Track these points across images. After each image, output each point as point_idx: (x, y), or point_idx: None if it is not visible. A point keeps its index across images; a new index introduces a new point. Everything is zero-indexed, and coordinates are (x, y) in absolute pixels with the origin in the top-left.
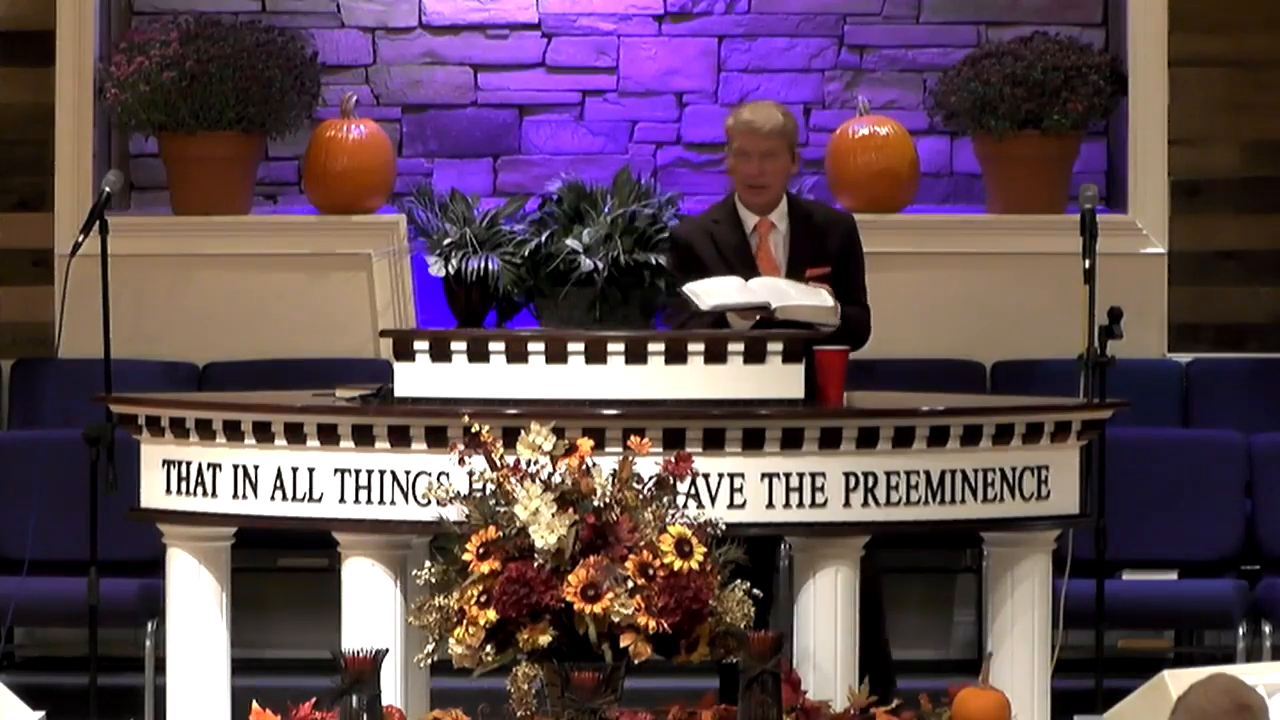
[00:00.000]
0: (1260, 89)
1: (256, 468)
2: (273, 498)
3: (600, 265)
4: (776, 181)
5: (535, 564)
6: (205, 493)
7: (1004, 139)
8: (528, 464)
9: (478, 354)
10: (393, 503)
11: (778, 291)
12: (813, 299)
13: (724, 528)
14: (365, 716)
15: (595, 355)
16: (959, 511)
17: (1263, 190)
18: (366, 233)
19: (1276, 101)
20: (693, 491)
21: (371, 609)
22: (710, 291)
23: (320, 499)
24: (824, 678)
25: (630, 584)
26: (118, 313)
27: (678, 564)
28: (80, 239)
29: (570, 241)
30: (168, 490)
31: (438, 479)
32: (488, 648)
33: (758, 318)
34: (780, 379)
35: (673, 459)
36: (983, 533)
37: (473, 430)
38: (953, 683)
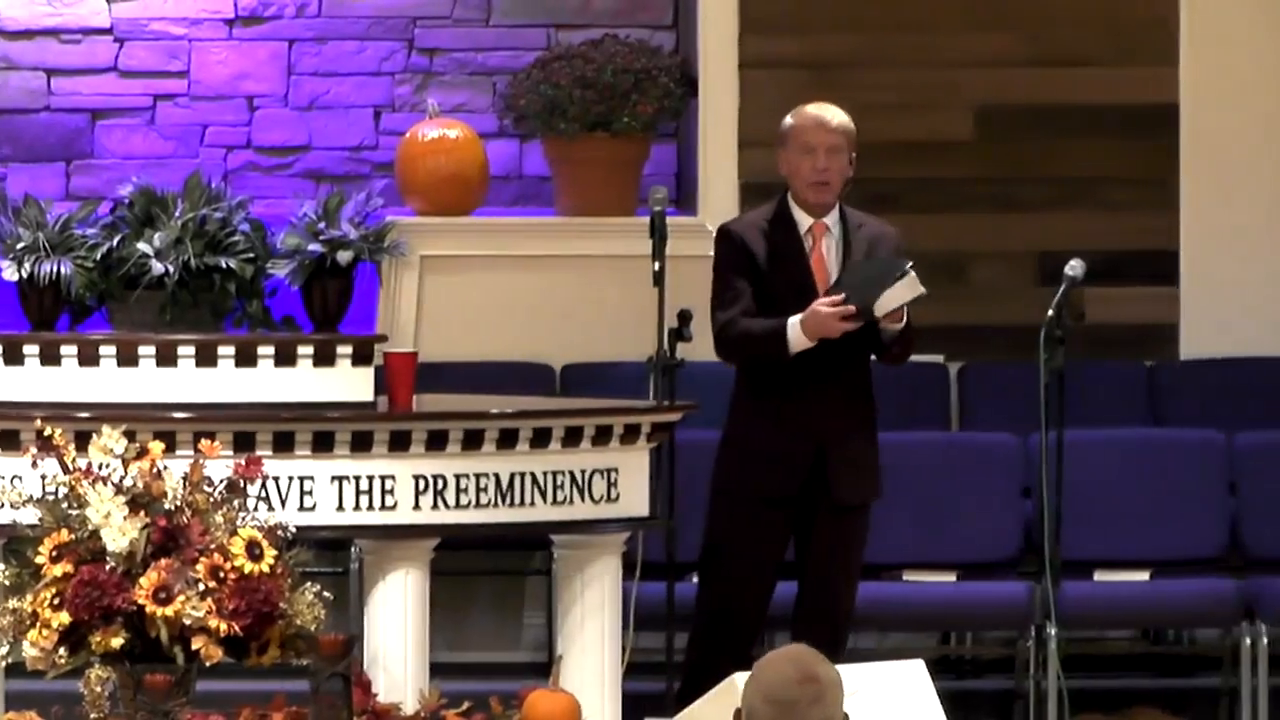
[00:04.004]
0: (831, 90)
1: None
2: None
3: (171, 269)
4: (837, 181)
5: (107, 567)
6: None
7: (574, 141)
8: (100, 467)
9: (50, 357)
10: None
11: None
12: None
13: (295, 530)
14: None
15: (166, 358)
16: (528, 514)
17: None
18: None
19: (847, 103)
20: (263, 494)
21: None
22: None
23: None
24: (394, 680)
25: (201, 587)
26: None
27: (248, 567)
28: None
29: (141, 245)
30: None
31: (11, 482)
32: (61, 650)
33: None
34: (350, 382)
35: (243, 462)
36: (552, 535)
37: (45, 433)
38: (523, 685)
